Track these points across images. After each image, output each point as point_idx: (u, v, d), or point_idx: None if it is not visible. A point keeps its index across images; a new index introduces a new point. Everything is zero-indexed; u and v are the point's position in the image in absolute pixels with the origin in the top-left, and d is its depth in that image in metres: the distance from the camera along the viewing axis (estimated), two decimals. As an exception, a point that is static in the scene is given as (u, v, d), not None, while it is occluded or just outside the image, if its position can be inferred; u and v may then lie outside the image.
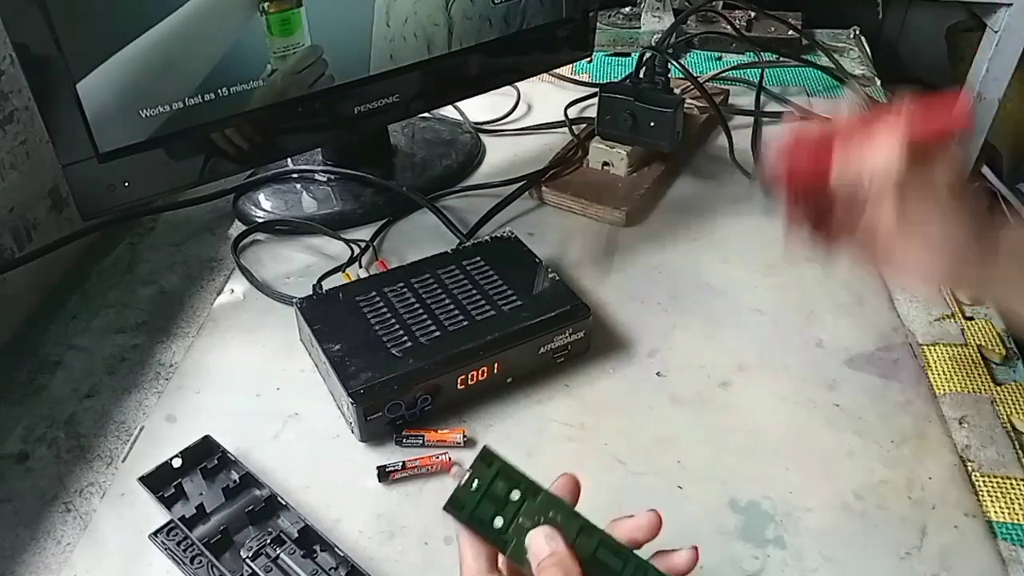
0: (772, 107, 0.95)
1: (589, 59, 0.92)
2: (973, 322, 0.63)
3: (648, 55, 0.80)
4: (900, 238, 0.47)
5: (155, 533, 0.48)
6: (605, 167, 0.80)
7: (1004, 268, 0.47)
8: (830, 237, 0.48)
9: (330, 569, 0.45)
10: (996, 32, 1.26)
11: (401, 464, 0.51)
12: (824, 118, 0.47)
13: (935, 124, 0.46)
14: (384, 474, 0.51)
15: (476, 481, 0.36)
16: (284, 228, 0.75)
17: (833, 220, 0.48)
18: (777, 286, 0.68)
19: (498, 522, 0.35)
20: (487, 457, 0.36)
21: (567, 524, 0.36)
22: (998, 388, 0.58)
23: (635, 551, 0.38)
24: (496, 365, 0.56)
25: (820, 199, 0.48)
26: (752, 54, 1.07)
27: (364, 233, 0.74)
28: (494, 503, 0.36)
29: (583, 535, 0.37)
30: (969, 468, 0.52)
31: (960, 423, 0.55)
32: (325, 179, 0.80)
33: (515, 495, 0.36)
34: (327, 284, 0.63)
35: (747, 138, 0.88)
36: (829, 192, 0.47)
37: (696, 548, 0.39)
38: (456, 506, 0.35)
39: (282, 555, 0.45)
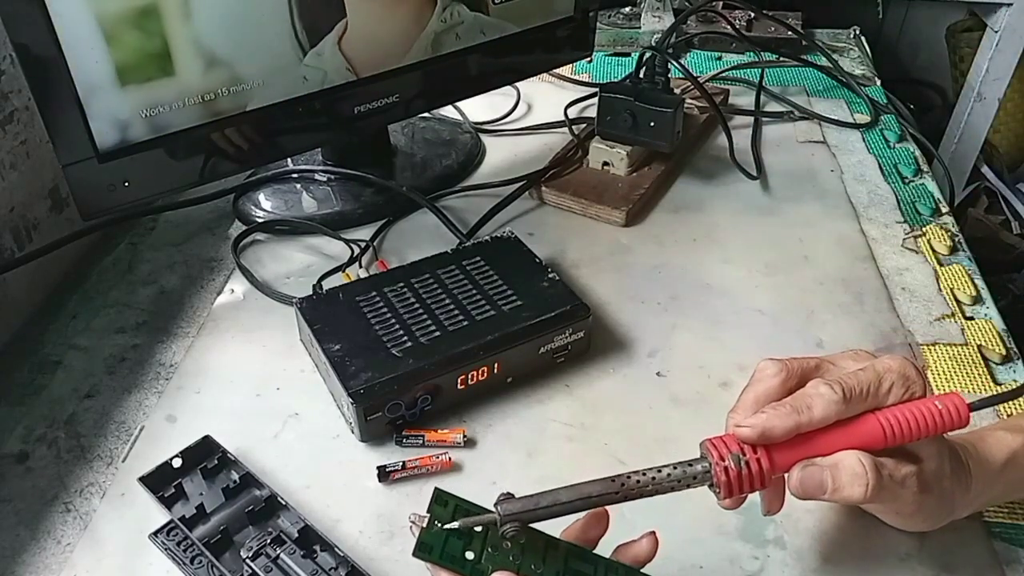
0: (772, 107, 0.95)
1: (589, 59, 0.92)
2: (973, 322, 0.63)
3: (648, 55, 0.80)
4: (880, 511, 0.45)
5: (155, 533, 0.48)
6: (605, 167, 0.80)
7: (986, 499, 0.46)
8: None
9: (330, 569, 0.45)
10: (996, 32, 1.27)
11: (401, 464, 0.51)
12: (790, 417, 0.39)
13: (925, 427, 0.39)
14: (384, 474, 0.51)
15: (437, 522, 0.36)
16: (284, 228, 0.75)
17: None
18: (777, 286, 0.68)
19: (469, 555, 0.36)
20: (441, 497, 0.37)
21: (532, 544, 0.37)
22: (998, 388, 0.58)
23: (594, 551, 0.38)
24: (496, 365, 0.56)
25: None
26: (752, 54, 1.07)
27: (364, 233, 0.74)
28: (460, 538, 0.36)
29: (551, 549, 0.37)
30: (969, 468, 0.52)
31: (960, 423, 0.55)
32: (325, 179, 0.80)
33: (477, 528, 0.36)
34: (327, 284, 0.63)
35: (747, 138, 0.88)
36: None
37: (654, 533, 0.39)
38: (425, 549, 0.36)
39: (282, 555, 0.45)
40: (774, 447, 0.39)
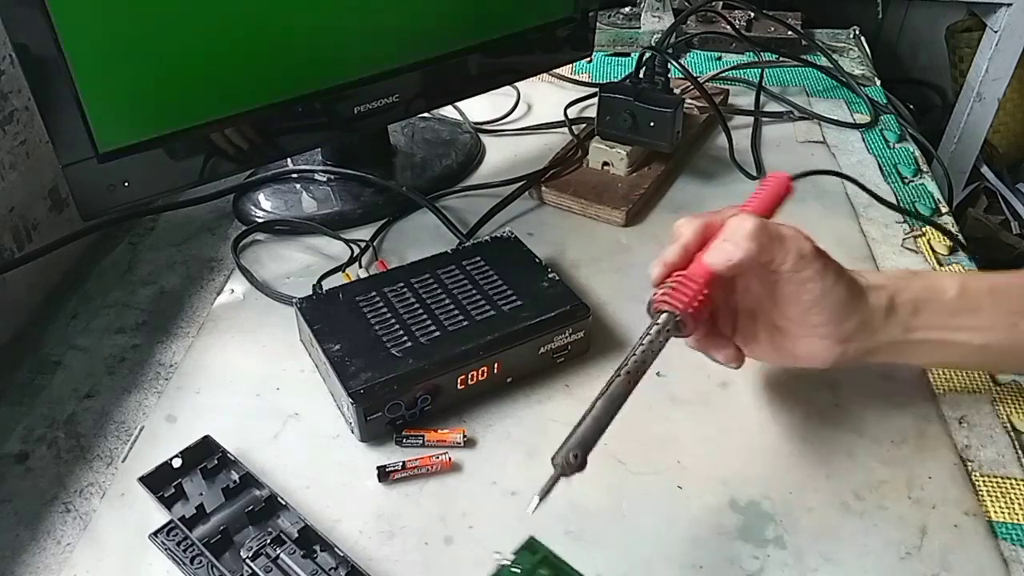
0: (772, 107, 0.95)
1: (589, 59, 0.92)
2: (973, 322, 0.63)
3: (648, 55, 0.80)
4: (783, 319, 0.49)
5: (155, 533, 0.48)
6: (605, 167, 0.80)
7: (887, 329, 0.48)
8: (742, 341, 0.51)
9: (330, 569, 0.45)
10: (996, 32, 1.27)
11: (401, 464, 0.51)
12: (676, 246, 0.49)
13: (769, 201, 0.53)
14: (384, 474, 0.51)
15: (514, 568, 0.37)
16: (284, 228, 0.75)
17: (739, 324, 0.52)
18: (777, 286, 0.67)
19: None
20: (533, 545, 0.38)
21: None
22: (998, 387, 0.58)
23: None
24: (496, 365, 0.56)
25: (720, 314, 0.52)
26: (752, 54, 1.07)
27: (364, 233, 0.74)
28: None
29: None
30: (969, 468, 0.52)
31: (960, 423, 0.55)
32: (325, 179, 0.80)
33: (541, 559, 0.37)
34: (327, 284, 0.63)
35: (747, 138, 0.88)
36: (725, 303, 0.51)
37: None
38: None
39: (282, 555, 0.45)
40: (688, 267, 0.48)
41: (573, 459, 0.38)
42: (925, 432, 0.54)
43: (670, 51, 1.02)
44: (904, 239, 0.73)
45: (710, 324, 0.51)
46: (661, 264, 0.49)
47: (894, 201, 0.78)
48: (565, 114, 0.91)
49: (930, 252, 0.71)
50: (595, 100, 0.80)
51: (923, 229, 0.74)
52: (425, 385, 0.53)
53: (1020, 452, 0.53)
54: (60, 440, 0.55)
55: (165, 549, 0.47)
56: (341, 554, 0.45)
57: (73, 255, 0.72)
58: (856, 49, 1.10)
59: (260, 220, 0.75)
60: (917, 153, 0.87)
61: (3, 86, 0.63)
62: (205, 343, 0.63)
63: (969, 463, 0.52)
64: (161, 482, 0.49)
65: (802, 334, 0.49)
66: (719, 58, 1.08)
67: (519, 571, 0.37)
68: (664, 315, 0.45)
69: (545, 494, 0.38)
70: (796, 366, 0.52)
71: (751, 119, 0.91)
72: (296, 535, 0.46)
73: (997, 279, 0.51)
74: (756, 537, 0.48)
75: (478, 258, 0.63)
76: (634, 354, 0.44)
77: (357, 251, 0.70)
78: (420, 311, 0.58)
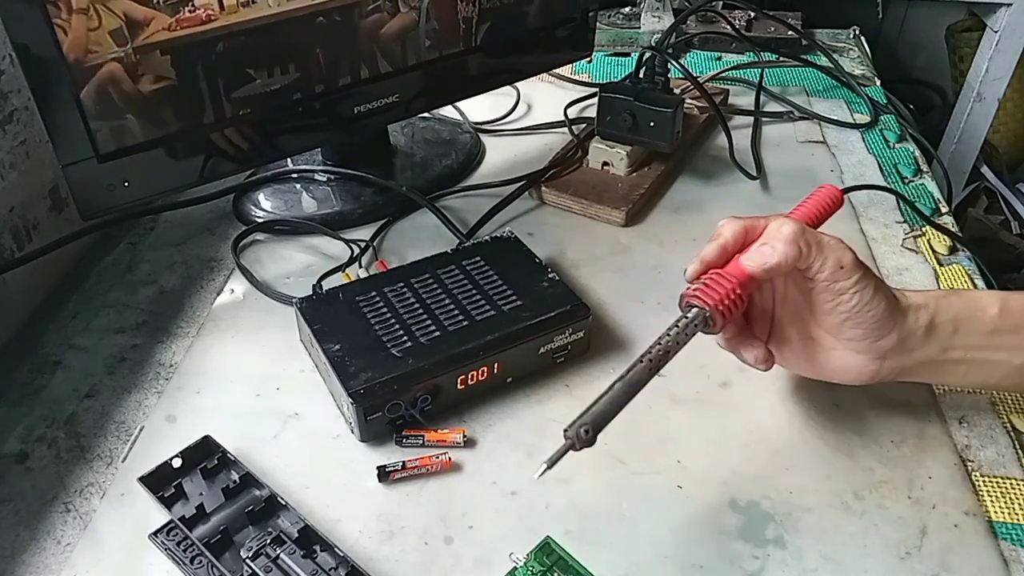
0: (772, 107, 0.95)
1: (589, 59, 0.92)
2: (973, 322, 0.63)
3: (648, 55, 0.80)
4: (819, 329, 0.49)
5: (155, 533, 0.48)
6: (605, 167, 0.80)
7: (925, 349, 0.48)
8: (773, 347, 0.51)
9: (330, 569, 0.45)
10: (996, 32, 1.27)
11: (401, 464, 0.51)
12: (717, 243, 0.48)
13: (816, 209, 0.51)
14: (384, 474, 0.51)
15: (531, 568, 0.37)
16: (284, 228, 0.75)
17: (772, 330, 0.52)
18: (777, 286, 0.67)
19: None
20: (548, 546, 0.38)
21: None
22: (998, 388, 0.58)
23: None
24: (496, 365, 0.56)
25: (751, 317, 0.52)
26: (752, 54, 1.07)
27: (364, 233, 0.74)
28: None
29: None
30: (969, 468, 0.52)
31: (960, 423, 0.55)
32: (325, 179, 0.80)
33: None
34: (327, 284, 0.63)
35: (747, 138, 0.88)
36: (756, 307, 0.51)
37: None
38: None
39: (282, 555, 0.45)
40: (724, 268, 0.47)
41: (584, 434, 0.38)
42: (925, 432, 0.54)
43: (670, 51, 1.02)
44: (904, 239, 0.73)
45: (743, 324, 0.51)
46: (698, 261, 0.48)
47: (894, 201, 0.78)
48: (565, 114, 0.91)
49: (930, 252, 0.71)
50: (595, 100, 0.80)
51: (923, 229, 0.74)
52: (425, 385, 0.53)
53: (1020, 452, 0.53)
54: (60, 440, 0.55)
55: (165, 549, 0.47)
56: (341, 554, 0.45)
57: (73, 255, 0.72)
58: (856, 49, 1.10)
59: (260, 220, 0.75)
60: (917, 153, 0.87)
61: (3, 86, 0.63)
62: (205, 343, 0.63)
63: (969, 463, 0.52)
64: (161, 482, 0.49)
65: (837, 347, 0.49)
66: (719, 58, 1.08)
67: (533, 572, 0.37)
68: (694, 310, 0.45)
69: (553, 463, 0.39)
70: (829, 380, 0.51)
71: (751, 119, 0.91)
72: (296, 535, 0.46)
73: None
74: (756, 537, 0.48)
75: (478, 258, 0.63)
76: (659, 343, 0.44)
77: (357, 251, 0.70)
78: (420, 311, 0.58)
